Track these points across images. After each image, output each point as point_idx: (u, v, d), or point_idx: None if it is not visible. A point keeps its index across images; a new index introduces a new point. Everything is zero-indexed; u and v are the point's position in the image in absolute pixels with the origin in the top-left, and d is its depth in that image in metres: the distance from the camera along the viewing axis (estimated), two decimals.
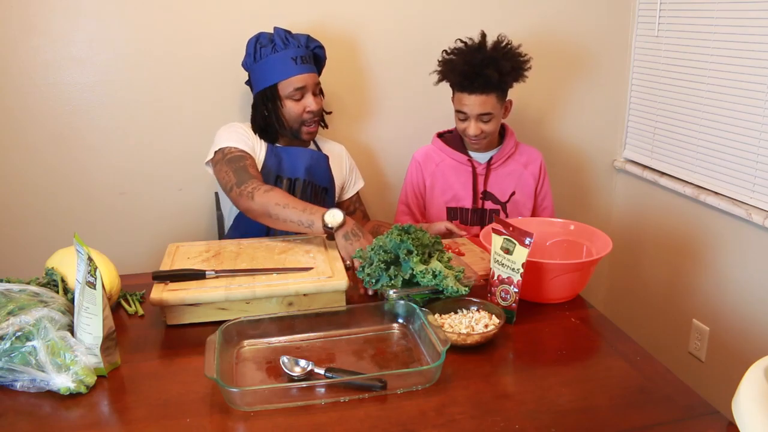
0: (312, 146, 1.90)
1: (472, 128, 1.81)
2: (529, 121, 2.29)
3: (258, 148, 1.77)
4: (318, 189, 1.83)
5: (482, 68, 1.74)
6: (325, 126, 1.92)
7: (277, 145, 1.81)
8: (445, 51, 1.85)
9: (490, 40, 1.82)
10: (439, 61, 1.86)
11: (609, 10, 2.25)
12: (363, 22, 2.06)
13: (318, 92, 1.79)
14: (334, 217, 1.44)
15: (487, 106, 1.78)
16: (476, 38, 1.82)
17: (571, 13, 2.22)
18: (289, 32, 1.76)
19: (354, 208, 2.02)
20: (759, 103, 1.79)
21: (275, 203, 1.49)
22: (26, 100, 1.89)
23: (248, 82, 1.84)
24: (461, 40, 1.83)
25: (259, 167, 1.73)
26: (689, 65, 2.04)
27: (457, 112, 1.83)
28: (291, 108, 1.74)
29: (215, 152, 1.71)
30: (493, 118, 1.81)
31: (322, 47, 1.81)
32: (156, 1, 1.89)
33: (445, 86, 1.87)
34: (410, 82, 2.14)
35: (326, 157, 1.86)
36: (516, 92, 1.96)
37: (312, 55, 1.78)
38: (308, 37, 1.79)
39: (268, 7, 1.96)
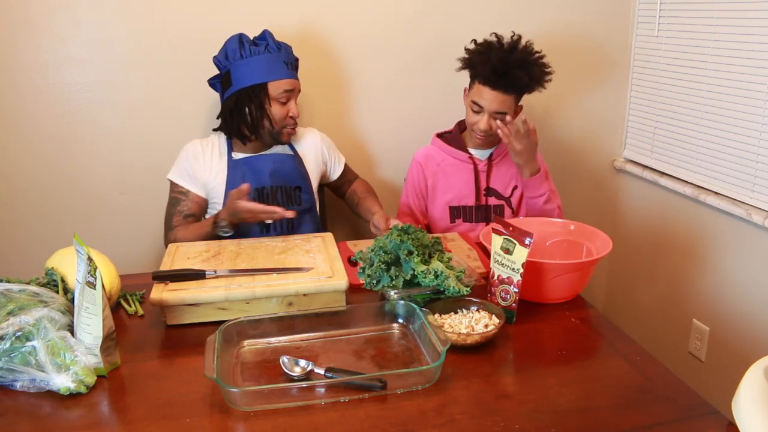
0: (279, 149, 1.85)
1: (484, 123, 1.82)
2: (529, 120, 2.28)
3: (211, 171, 1.75)
4: (289, 190, 1.80)
5: (514, 68, 1.76)
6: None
7: (237, 157, 1.78)
8: (476, 41, 1.85)
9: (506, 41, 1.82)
10: (469, 50, 1.84)
11: (609, 10, 2.25)
12: (360, 22, 2.05)
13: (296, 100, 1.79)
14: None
15: (504, 105, 1.80)
16: (507, 38, 1.82)
17: (571, 14, 2.22)
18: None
19: (344, 180, 1.99)
20: (759, 103, 1.79)
21: (182, 238, 1.67)
22: (26, 100, 1.89)
23: (214, 82, 1.81)
24: (496, 35, 1.83)
25: (222, 188, 1.74)
26: (689, 65, 2.04)
27: (473, 103, 1.83)
28: (277, 110, 1.73)
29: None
30: (505, 118, 1.82)
31: (297, 60, 1.80)
32: (156, 1, 1.89)
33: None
34: (409, 83, 2.13)
35: (290, 156, 1.83)
36: None
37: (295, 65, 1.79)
38: (291, 49, 1.78)
39: (270, 8, 1.96)
